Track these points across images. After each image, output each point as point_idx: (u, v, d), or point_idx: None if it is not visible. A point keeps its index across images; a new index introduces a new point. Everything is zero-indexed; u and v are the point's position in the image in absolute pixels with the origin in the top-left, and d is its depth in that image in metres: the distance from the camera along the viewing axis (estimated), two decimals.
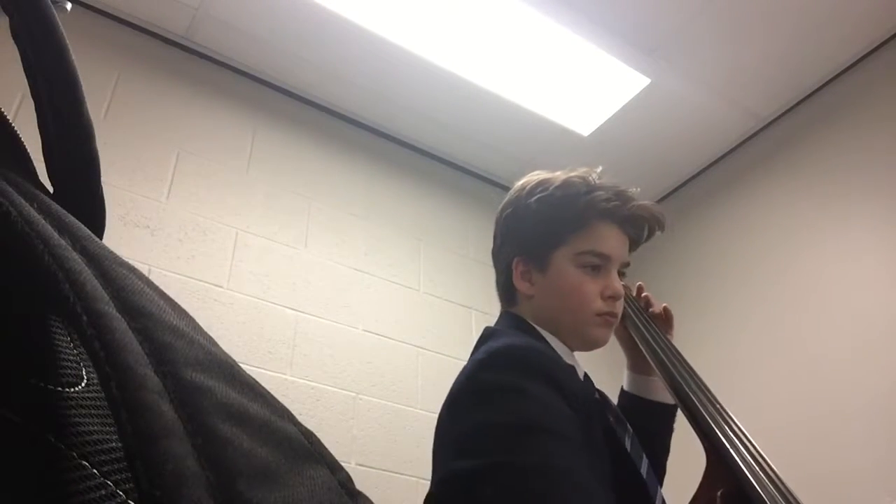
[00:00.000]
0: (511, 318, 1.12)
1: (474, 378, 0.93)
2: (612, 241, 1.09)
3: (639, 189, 1.15)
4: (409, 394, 2.28)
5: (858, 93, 2.40)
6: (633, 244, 1.14)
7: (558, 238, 1.08)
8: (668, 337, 1.18)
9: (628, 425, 1.09)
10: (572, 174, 1.12)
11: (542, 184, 1.12)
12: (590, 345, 1.10)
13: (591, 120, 2.59)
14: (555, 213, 1.08)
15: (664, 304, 1.25)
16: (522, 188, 1.14)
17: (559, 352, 1.07)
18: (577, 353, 1.13)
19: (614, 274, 1.09)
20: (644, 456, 1.05)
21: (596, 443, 0.93)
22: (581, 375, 1.10)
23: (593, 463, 0.86)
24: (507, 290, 1.15)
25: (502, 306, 1.17)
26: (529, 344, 0.99)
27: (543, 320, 1.09)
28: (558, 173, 1.13)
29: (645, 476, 1.02)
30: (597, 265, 1.07)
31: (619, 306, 1.10)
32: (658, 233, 1.15)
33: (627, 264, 1.12)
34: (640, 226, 1.12)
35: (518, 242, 1.13)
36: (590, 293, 1.06)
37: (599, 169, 1.14)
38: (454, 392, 0.95)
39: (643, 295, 1.27)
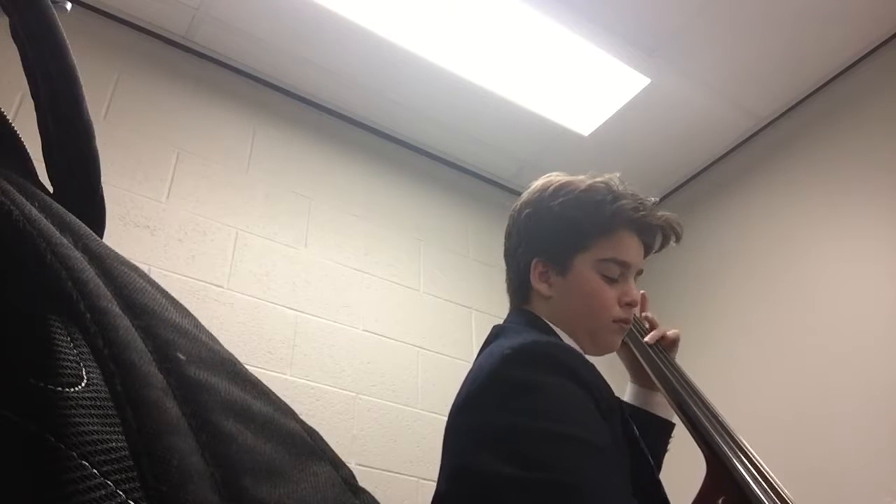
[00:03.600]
0: (526, 315, 1.12)
1: (501, 373, 0.91)
2: (633, 249, 1.10)
3: (656, 199, 1.16)
4: (409, 394, 2.27)
5: (858, 93, 2.40)
6: (646, 252, 1.15)
7: (582, 243, 1.09)
8: (671, 355, 1.18)
9: (634, 426, 1.10)
10: (596, 179, 1.12)
11: (565, 186, 1.12)
12: (603, 350, 1.11)
13: (591, 120, 2.59)
14: (580, 217, 1.09)
15: (674, 330, 1.22)
16: (544, 189, 1.14)
17: None
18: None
19: (632, 281, 1.11)
20: (650, 458, 1.06)
21: (619, 440, 0.93)
22: None
23: (620, 463, 0.86)
24: (521, 288, 1.15)
25: (514, 303, 1.17)
26: (555, 341, 0.99)
27: (559, 321, 1.09)
28: (581, 177, 1.13)
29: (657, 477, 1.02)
30: (617, 273, 1.09)
31: (633, 313, 1.12)
32: (672, 243, 1.16)
33: (641, 272, 1.14)
34: (657, 235, 1.14)
35: (538, 243, 1.12)
36: (609, 299, 1.08)
37: (618, 174, 1.15)
38: (477, 386, 0.93)
39: (644, 314, 1.25)
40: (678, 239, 1.15)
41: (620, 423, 0.97)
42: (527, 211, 1.14)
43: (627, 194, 1.10)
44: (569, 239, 1.09)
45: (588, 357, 1.11)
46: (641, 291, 1.26)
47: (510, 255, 1.17)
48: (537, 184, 1.16)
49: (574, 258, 1.09)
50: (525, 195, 1.17)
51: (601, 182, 1.11)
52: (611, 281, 1.08)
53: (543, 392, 0.86)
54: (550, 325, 1.09)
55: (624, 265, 1.09)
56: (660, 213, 1.12)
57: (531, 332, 1.02)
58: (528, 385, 0.87)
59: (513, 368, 0.90)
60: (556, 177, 1.15)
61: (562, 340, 1.05)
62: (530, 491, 0.77)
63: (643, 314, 1.26)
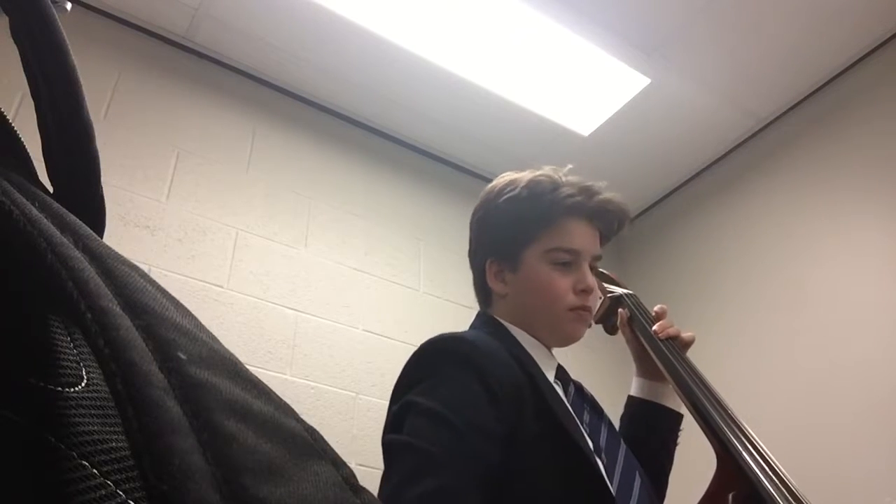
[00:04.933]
0: (482, 318, 1.16)
1: (405, 369, 1.01)
2: (580, 236, 1.11)
3: (606, 183, 1.15)
4: None
5: (858, 93, 2.40)
6: (604, 237, 1.16)
7: (528, 236, 1.11)
8: (683, 352, 1.14)
9: (605, 415, 1.09)
10: (538, 173, 1.14)
11: (509, 184, 1.14)
12: (565, 340, 1.12)
13: (591, 120, 2.59)
14: (523, 212, 1.11)
15: (690, 333, 1.17)
16: (491, 190, 1.17)
17: (529, 348, 1.08)
18: (571, 351, 1.13)
19: (585, 268, 1.11)
20: (622, 444, 1.04)
21: (525, 426, 0.94)
22: (553, 368, 1.10)
23: (480, 446, 0.88)
24: (482, 292, 1.19)
25: (480, 308, 1.20)
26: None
27: (518, 319, 1.11)
28: (525, 173, 1.15)
29: (622, 463, 1.00)
30: (567, 261, 1.09)
31: (593, 300, 1.12)
32: (626, 224, 1.16)
33: (599, 257, 1.14)
34: (607, 219, 1.14)
35: (489, 243, 1.16)
36: (562, 289, 1.09)
37: (568, 167, 1.15)
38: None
39: (662, 323, 1.16)
40: (627, 218, 1.16)
41: (533, 405, 0.97)
42: (479, 214, 1.19)
43: (569, 182, 1.12)
44: (515, 234, 1.12)
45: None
46: (662, 306, 1.19)
47: (471, 260, 1.21)
48: (488, 186, 1.19)
49: (523, 252, 1.11)
50: (479, 199, 1.20)
51: (542, 175, 1.13)
52: (564, 270, 1.09)
53: (429, 380, 0.95)
54: (504, 323, 1.11)
55: (573, 252, 1.09)
56: (600, 197, 1.12)
57: (463, 332, 1.07)
58: (420, 376, 0.97)
59: (413, 364, 1.00)
60: (503, 176, 1.18)
61: (506, 338, 1.07)
62: (393, 449, 0.91)
63: (663, 323, 1.17)
